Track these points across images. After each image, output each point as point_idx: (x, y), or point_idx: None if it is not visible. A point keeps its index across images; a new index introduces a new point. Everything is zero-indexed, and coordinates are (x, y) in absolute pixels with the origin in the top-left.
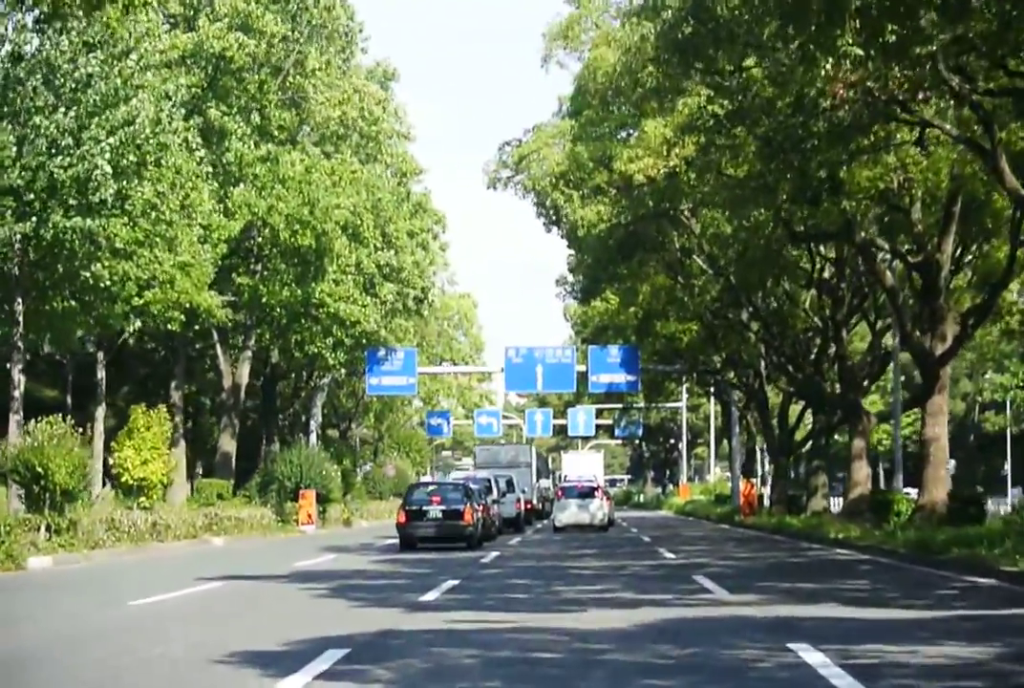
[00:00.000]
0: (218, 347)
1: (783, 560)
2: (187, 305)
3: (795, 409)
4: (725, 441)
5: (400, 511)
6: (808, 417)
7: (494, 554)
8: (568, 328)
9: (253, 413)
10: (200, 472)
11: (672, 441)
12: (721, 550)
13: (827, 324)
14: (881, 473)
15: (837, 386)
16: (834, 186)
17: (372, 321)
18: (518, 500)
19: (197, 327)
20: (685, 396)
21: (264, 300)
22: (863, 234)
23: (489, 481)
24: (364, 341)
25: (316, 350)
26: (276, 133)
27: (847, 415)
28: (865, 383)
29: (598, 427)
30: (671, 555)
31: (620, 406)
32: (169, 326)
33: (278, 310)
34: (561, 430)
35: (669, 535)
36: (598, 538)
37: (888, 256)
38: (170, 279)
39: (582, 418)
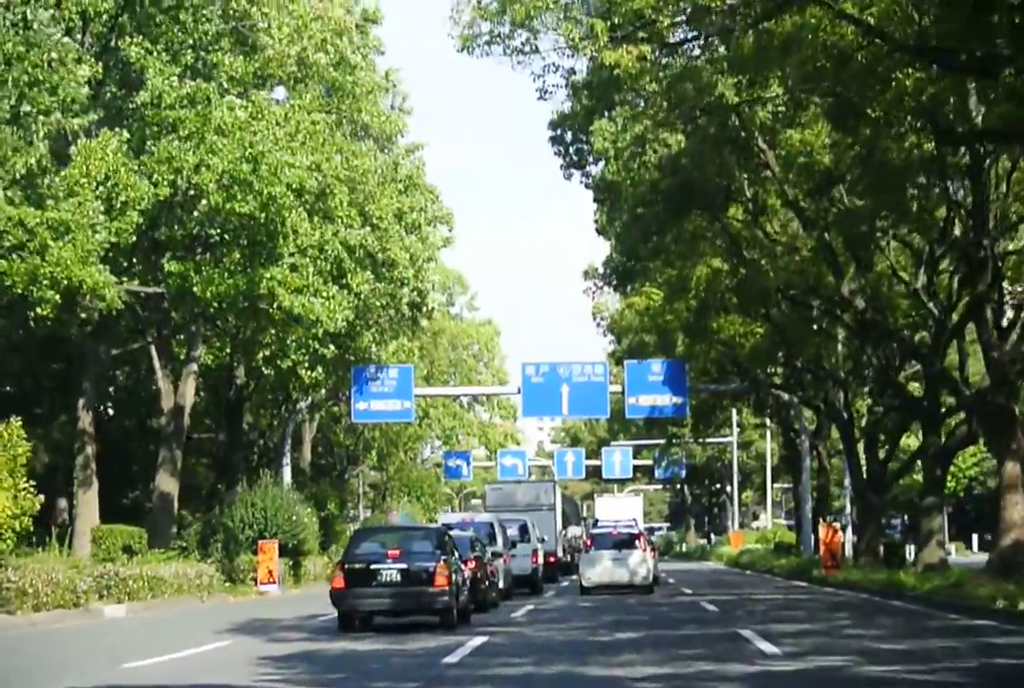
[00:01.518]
0: (154, 357)
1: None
2: (66, 282)
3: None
4: (776, 485)
5: (337, 571)
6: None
7: (477, 641)
8: (600, 338)
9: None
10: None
11: (719, 484)
12: (842, 633)
13: (946, 310)
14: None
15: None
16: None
17: (340, 319)
18: (535, 552)
19: (85, 315)
20: (736, 429)
21: (196, 291)
22: None
23: (492, 526)
24: (351, 357)
25: (290, 365)
26: (226, 85)
27: (991, 428)
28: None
29: (636, 469)
30: (770, 647)
31: (661, 442)
32: (38, 310)
33: (215, 305)
34: (595, 472)
35: (739, 600)
36: (641, 605)
37: None
38: (40, 246)
39: (618, 458)
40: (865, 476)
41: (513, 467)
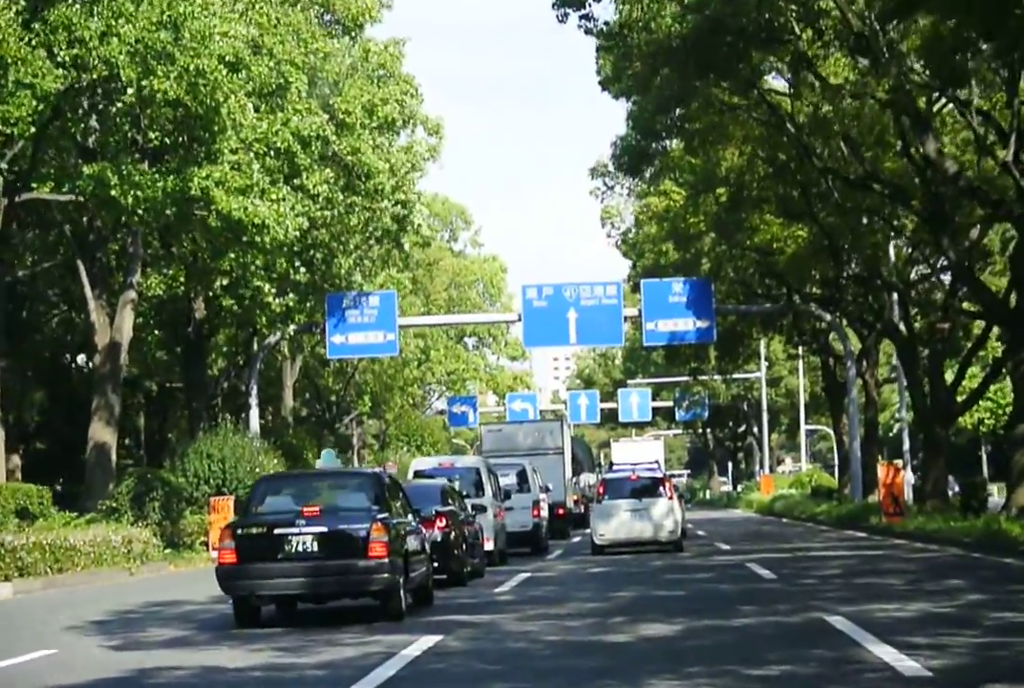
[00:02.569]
0: (85, 284)
1: None
2: None
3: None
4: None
5: (223, 538)
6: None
7: (419, 647)
8: (613, 267)
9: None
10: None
11: (744, 426)
12: (989, 619)
13: None
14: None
15: None
16: None
17: (291, 227)
18: (536, 504)
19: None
20: (765, 363)
21: (116, 196)
22: None
23: (478, 473)
24: (329, 287)
25: (253, 293)
26: None
27: None
28: None
29: (655, 411)
30: (897, 656)
31: (683, 379)
32: None
33: (138, 214)
34: (611, 416)
35: (795, 559)
36: (671, 571)
37: None
38: None
39: (635, 400)
40: (929, 405)
41: (523, 412)
